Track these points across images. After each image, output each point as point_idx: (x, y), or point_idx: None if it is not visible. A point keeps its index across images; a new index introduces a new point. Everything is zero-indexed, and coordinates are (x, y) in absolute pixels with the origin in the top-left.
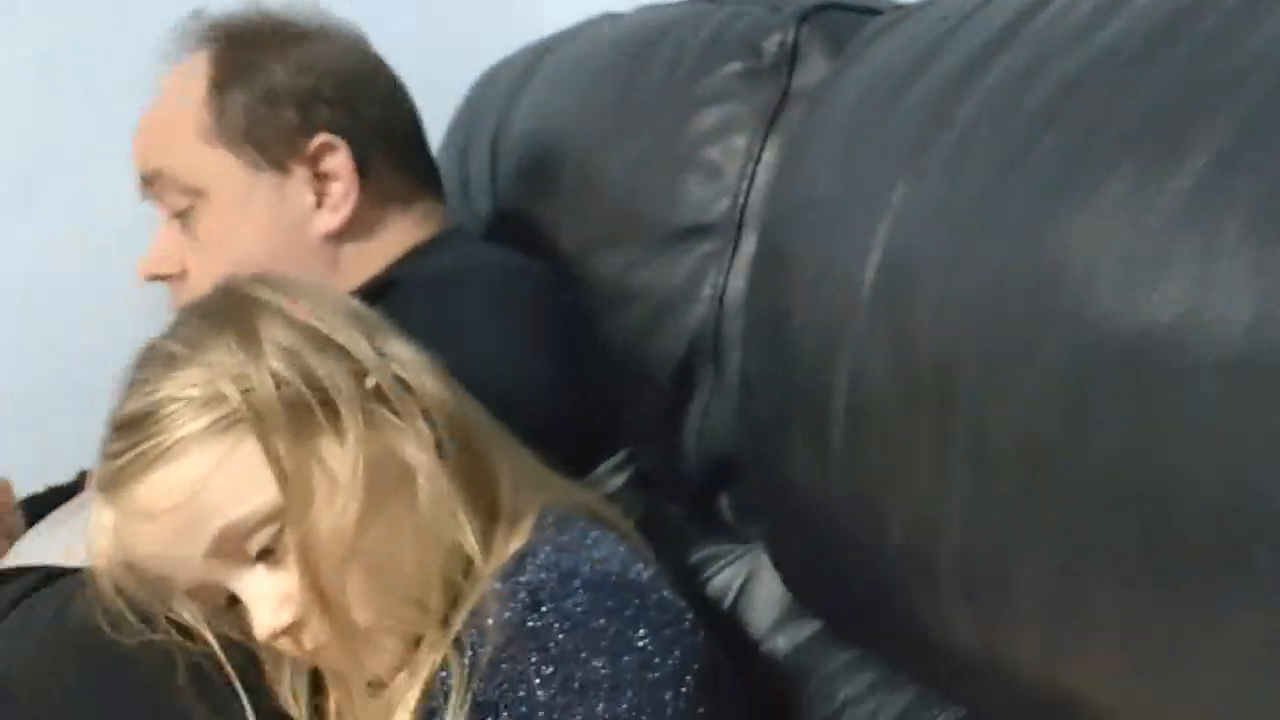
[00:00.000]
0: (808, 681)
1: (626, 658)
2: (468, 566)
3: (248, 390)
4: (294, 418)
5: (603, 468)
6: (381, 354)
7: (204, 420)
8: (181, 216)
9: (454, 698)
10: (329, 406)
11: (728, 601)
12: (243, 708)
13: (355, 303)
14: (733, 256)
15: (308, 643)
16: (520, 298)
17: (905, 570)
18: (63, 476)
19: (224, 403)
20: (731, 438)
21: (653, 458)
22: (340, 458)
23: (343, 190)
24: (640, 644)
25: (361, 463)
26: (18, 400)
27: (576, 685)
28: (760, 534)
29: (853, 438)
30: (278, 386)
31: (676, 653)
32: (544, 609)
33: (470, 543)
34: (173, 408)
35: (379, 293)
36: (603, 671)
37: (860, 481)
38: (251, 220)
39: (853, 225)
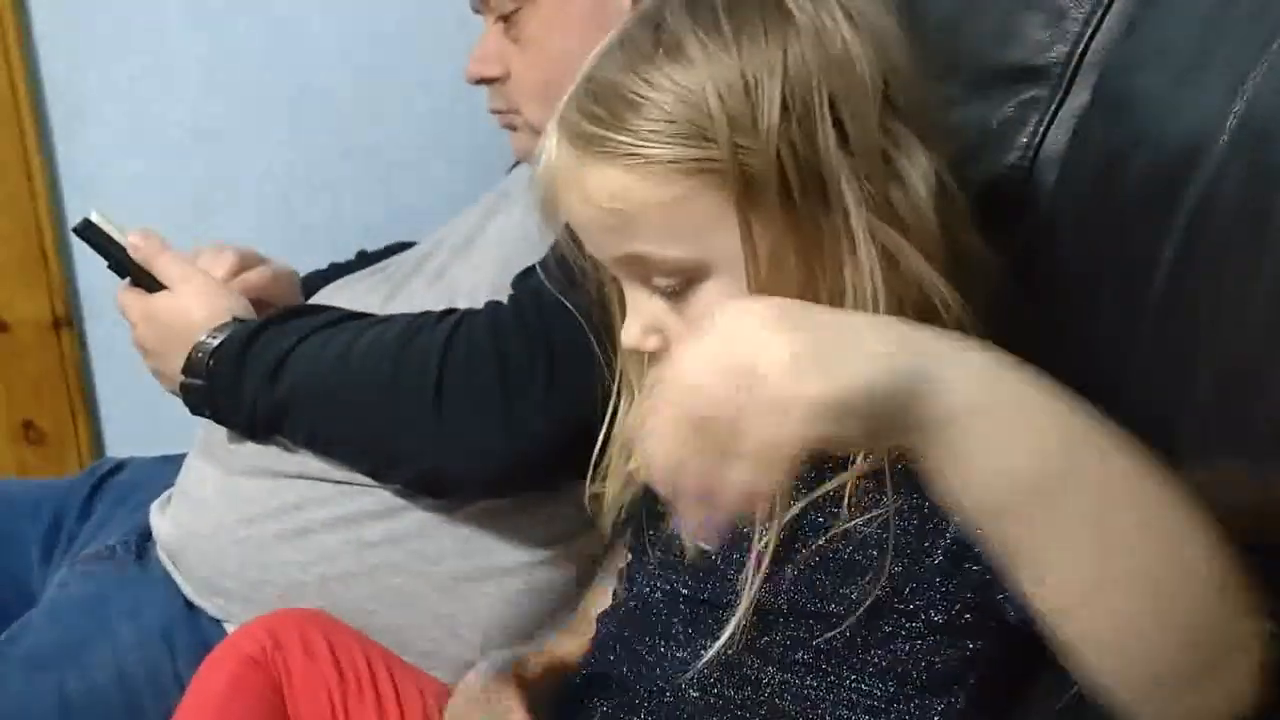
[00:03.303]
0: None
1: None
2: None
3: (740, 149)
4: (781, 186)
5: None
6: None
7: (677, 152)
8: (506, 20)
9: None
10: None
11: None
12: None
13: None
14: (1059, 106)
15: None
16: None
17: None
18: None
19: (707, 147)
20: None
21: None
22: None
23: None
24: None
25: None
26: None
27: None
28: None
29: (1177, 284)
30: (778, 155)
31: None
32: None
33: None
34: (655, 121)
35: None
36: None
37: (1178, 331)
38: (573, 19)
39: (1215, 75)
